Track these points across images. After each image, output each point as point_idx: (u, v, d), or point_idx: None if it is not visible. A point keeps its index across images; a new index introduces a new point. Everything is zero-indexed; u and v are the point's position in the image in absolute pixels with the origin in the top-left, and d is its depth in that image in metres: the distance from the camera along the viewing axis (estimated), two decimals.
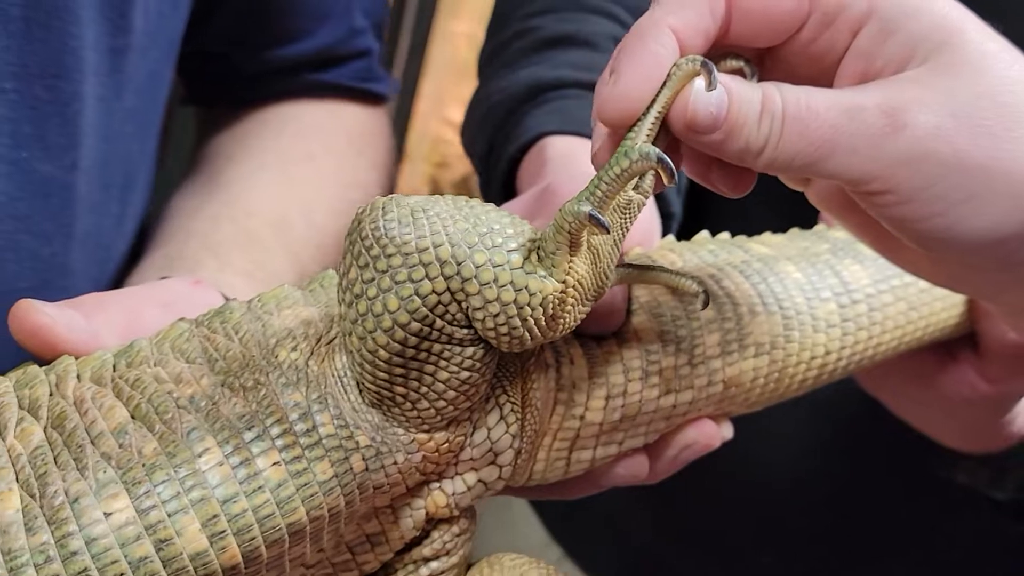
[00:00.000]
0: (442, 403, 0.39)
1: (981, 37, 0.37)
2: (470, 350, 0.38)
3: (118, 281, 0.60)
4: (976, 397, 0.57)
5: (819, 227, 0.54)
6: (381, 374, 0.38)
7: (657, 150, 0.36)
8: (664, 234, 0.55)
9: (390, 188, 0.72)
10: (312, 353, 0.39)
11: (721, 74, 0.37)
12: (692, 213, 0.65)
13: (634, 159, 0.36)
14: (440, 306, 0.37)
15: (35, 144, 0.52)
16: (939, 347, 0.57)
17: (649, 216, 0.53)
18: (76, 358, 0.40)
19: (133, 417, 0.37)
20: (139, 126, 0.60)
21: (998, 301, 0.43)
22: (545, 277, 0.37)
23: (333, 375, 0.38)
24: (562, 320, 0.38)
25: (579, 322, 0.39)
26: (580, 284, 0.38)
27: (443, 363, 0.38)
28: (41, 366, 0.39)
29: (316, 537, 0.38)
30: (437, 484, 0.41)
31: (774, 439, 0.70)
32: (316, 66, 0.69)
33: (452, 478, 0.41)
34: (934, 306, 0.53)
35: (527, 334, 0.37)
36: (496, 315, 0.37)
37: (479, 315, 0.37)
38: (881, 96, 0.36)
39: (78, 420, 0.36)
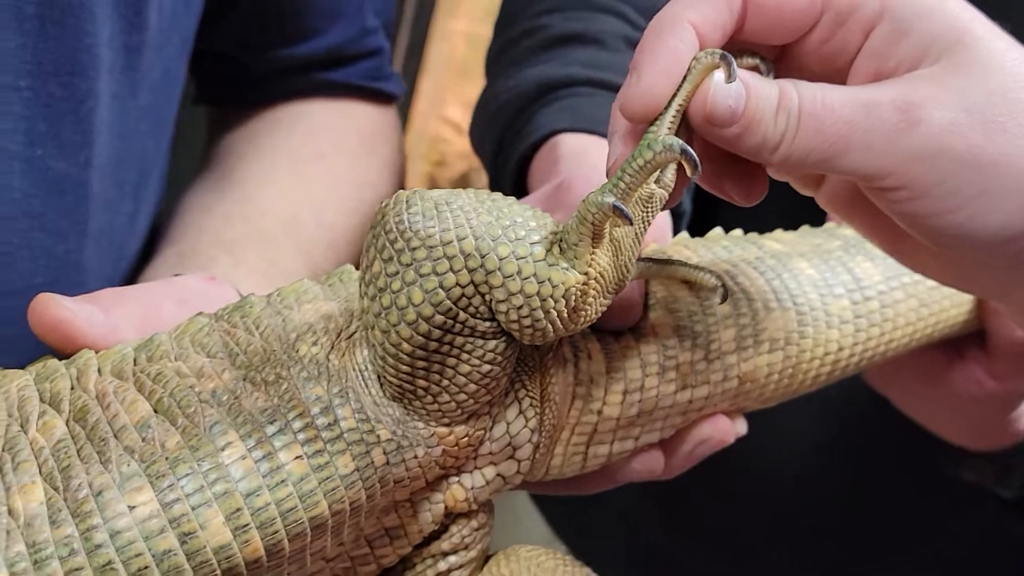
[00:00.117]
0: (463, 396, 0.39)
1: (991, 36, 0.37)
2: (492, 343, 0.38)
3: (131, 278, 0.60)
4: (983, 395, 0.57)
5: (829, 224, 0.54)
6: (404, 367, 0.38)
7: (680, 141, 0.36)
8: (674, 233, 0.55)
9: (401, 187, 0.72)
10: (333, 347, 0.39)
11: (739, 69, 0.37)
12: (701, 215, 0.65)
13: (657, 150, 0.36)
14: (464, 299, 0.37)
15: (50, 142, 0.52)
16: (947, 345, 0.57)
17: (662, 213, 0.53)
18: (96, 352, 0.40)
19: (155, 411, 0.37)
20: (153, 124, 0.60)
21: (1006, 300, 0.43)
22: (567, 269, 0.37)
23: (354, 369, 0.39)
24: (584, 312, 0.38)
25: (600, 315, 0.40)
26: (602, 276, 0.38)
27: (465, 356, 0.38)
28: (61, 360, 0.39)
29: (337, 531, 0.38)
30: (456, 478, 0.41)
31: (786, 435, 0.70)
32: (327, 65, 0.69)
33: (471, 472, 0.42)
34: (944, 303, 0.53)
35: (550, 326, 0.37)
36: (519, 307, 0.37)
37: (502, 307, 0.37)
38: (896, 93, 0.37)
39: (100, 414, 0.36)
